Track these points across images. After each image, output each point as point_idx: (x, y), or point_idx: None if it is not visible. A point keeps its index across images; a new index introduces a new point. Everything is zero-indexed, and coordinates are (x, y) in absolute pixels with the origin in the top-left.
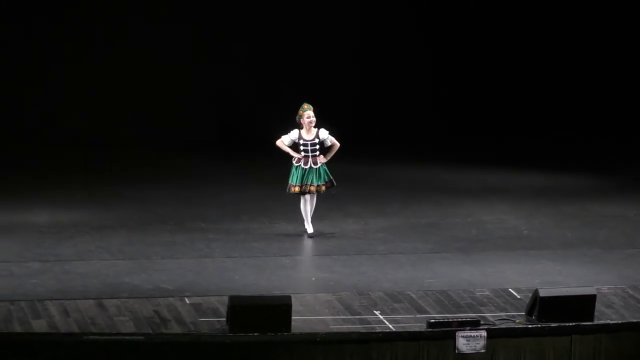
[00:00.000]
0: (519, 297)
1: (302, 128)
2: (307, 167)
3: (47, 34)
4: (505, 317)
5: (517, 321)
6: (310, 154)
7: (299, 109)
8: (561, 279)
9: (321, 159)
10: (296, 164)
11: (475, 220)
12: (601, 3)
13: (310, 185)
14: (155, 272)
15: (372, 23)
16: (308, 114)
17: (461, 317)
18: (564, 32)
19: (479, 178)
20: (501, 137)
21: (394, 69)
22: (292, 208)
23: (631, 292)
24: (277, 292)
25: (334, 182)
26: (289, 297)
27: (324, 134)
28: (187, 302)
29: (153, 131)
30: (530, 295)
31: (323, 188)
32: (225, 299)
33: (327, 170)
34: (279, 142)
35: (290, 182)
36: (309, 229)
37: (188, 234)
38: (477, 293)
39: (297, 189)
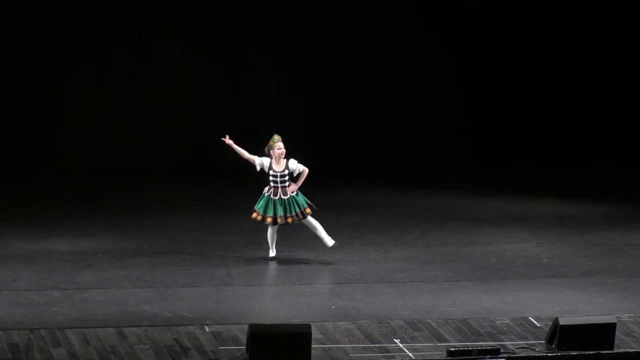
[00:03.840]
0: (539, 325)
1: (271, 158)
2: (276, 197)
3: (68, 60)
4: (526, 346)
5: (537, 349)
6: (279, 185)
7: (269, 139)
8: (582, 307)
9: (291, 189)
10: (266, 193)
11: (496, 249)
12: (623, 38)
13: (279, 216)
14: (175, 300)
15: (396, 49)
16: (279, 145)
17: (481, 346)
18: (581, 62)
19: (499, 206)
20: (520, 167)
21: (416, 97)
22: (311, 236)
23: None
24: (296, 321)
25: (314, 207)
26: (309, 326)
27: (293, 164)
28: (207, 330)
29: (174, 158)
30: (551, 323)
31: (290, 220)
32: (245, 327)
33: (298, 201)
34: (245, 152)
35: (255, 207)
36: (272, 253)
37: (208, 262)
38: (497, 321)
39: (259, 217)
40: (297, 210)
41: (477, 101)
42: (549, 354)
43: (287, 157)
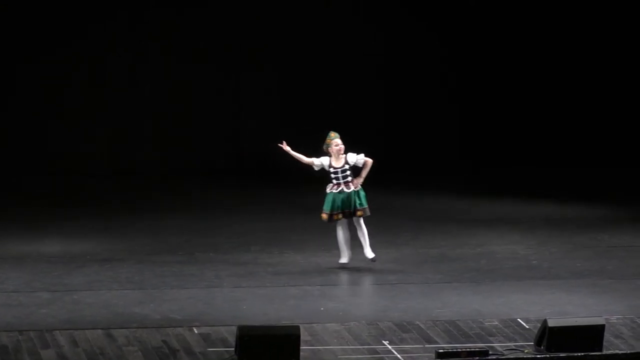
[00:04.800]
0: (527, 327)
1: (330, 156)
2: (339, 193)
3: (68, 60)
4: (514, 347)
5: (525, 351)
6: (342, 181)
7: (326, 137)
8: (571, 309)
9: (355, 183)
10: (329, 190)
11: (486, 250)
12: (621, 38)
13: (344, 211)
14: (164, 302)
15: (396, 49)
16: (336, 141)
17: (470, 347)
18: (575, 64)
19: (490, 208)
20: (514, 167)
21: (414, 98)
22: (302, 238)
23: None
24: (285, 322)
25: (367, 212)
26: (298, 327)
27: (352, 157)
28: (196, 332)
29: (173, 158)
30: (539, 325)
31: (360, 213)
32: (234, 329)
33: (360, 197)
34: (303, 157)
35: (323, 208)
36: (344, 259)
37: (198, 264)
38: (486, 323)
39: (325, 216)
40: (362, 206)
41: (474, 102)
42: (538, 356)
43: (345, 152)
